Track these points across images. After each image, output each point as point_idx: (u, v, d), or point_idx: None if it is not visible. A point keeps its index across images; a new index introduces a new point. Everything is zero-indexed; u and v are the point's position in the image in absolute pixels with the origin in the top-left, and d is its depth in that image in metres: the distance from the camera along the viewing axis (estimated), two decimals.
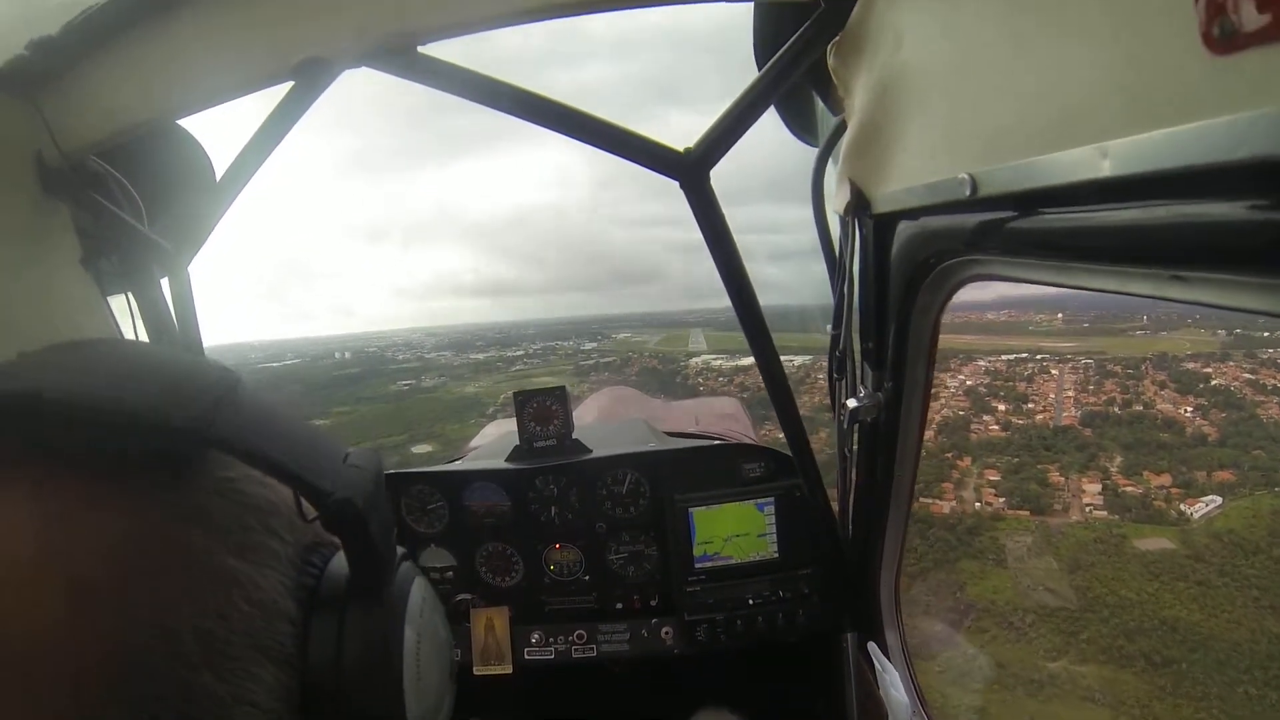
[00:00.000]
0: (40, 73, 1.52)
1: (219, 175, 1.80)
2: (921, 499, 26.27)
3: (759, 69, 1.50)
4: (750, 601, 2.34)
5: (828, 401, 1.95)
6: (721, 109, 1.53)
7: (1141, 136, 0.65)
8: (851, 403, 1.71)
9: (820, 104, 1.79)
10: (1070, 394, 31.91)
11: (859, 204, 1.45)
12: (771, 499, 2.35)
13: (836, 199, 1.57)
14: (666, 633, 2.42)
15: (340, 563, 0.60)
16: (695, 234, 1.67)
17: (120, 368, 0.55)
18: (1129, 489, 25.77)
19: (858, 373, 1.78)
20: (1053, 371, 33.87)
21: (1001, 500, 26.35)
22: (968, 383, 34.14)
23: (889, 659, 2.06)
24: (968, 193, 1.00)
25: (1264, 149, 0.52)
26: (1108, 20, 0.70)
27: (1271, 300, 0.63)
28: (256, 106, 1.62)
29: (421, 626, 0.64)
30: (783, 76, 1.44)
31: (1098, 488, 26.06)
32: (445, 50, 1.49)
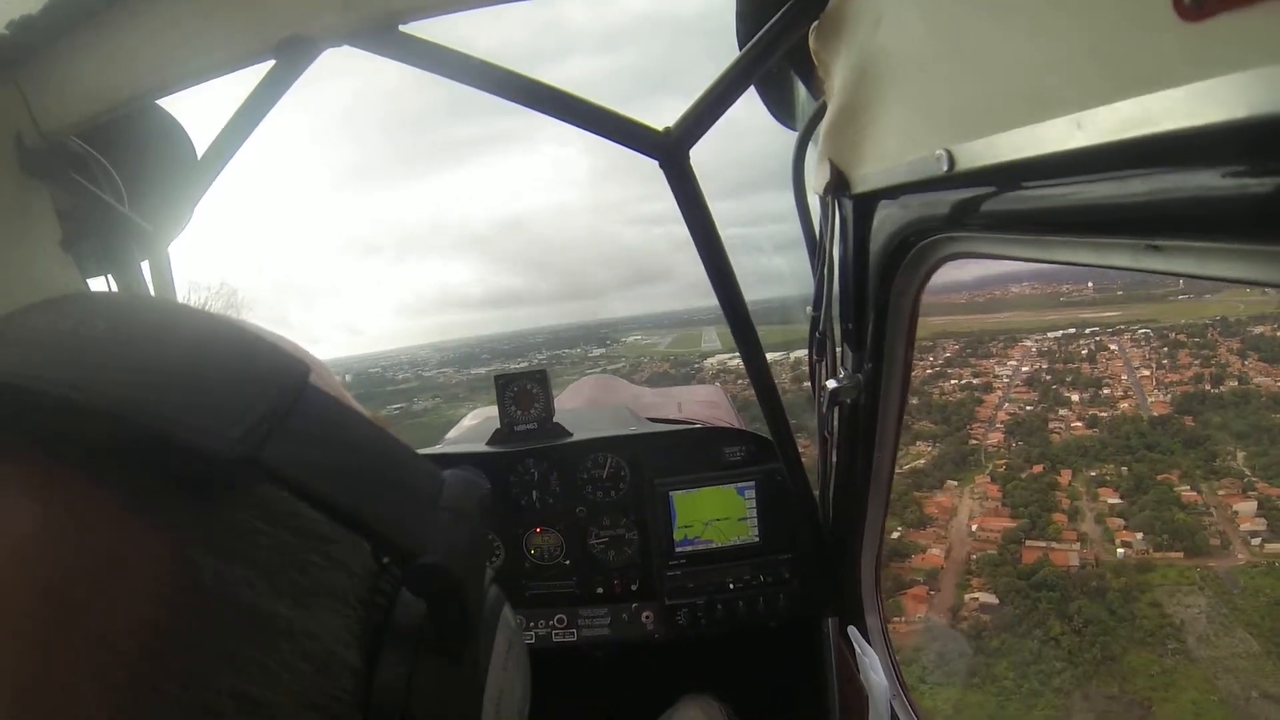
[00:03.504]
0: (20, 52, 1.51)
1: (200, 156, 1.80)
2: (1028, 541, 21.94)
3: (740, 48, 1.51)
4: (731, 586, 2.35)
5: None
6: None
7: (1115, 106, 0.66)
8: (831, 384, 1.72)
9: (801, 88, 1.81)
10: (1145, 373, 28.62)
11: (838, 184, 1.46)
12: (752, 483, 2.36)
13: (816, 180, 1.58)
14: (647, 617, 2.43)
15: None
16: None
17: (149, 349, 0.43)
18: None
19: (838, 354, 1.80)
20: (1111, 346, 30.93)
21: (1140, 537, 21.39)
22: (1023, 369, 30.68)
23: (869, 643, 2.08)
24: (945, 168, 1.01)
25: (1236, 114, 0.52)
26: None
27: (1247, 268, 0.64)
28: (239, 87, 1.61)
29: (504, 681, 0.54)
30: (764, 55, 1.45)
31: (1251, 506, 21.04)
32: (427, 37, 1.49)
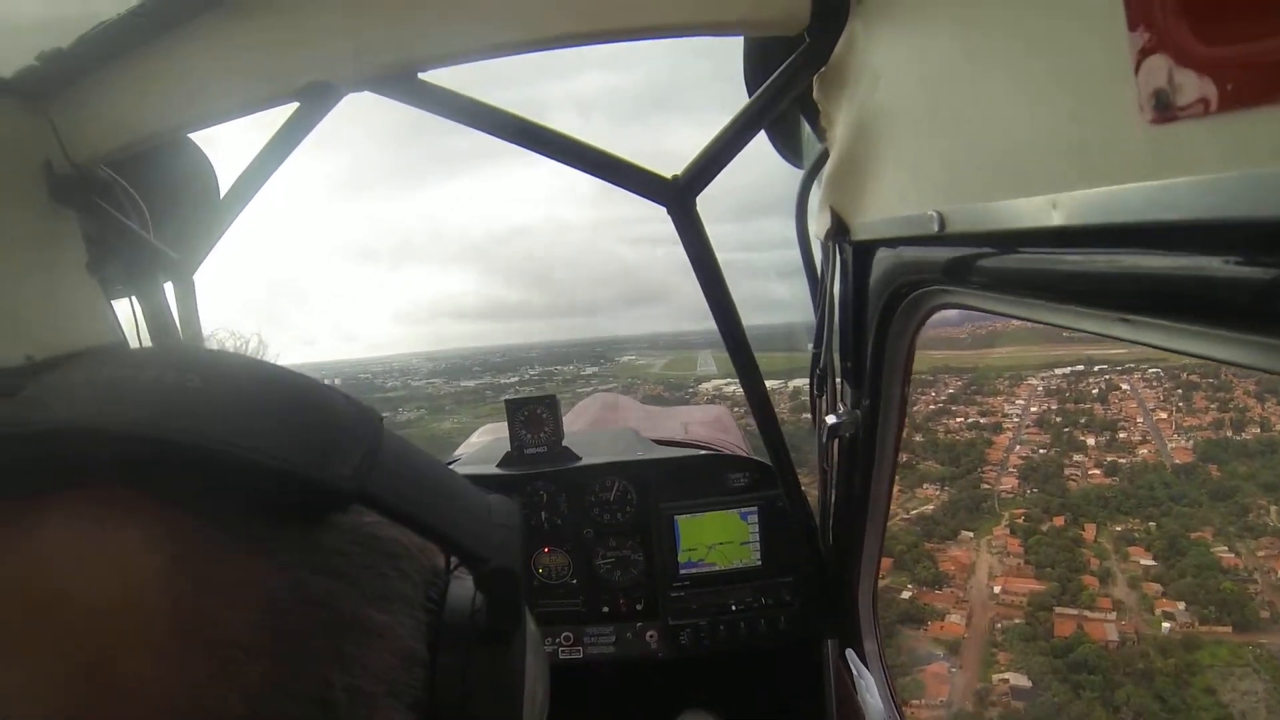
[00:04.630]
0: (51, 84, 1.57)
1: (223, 189, 1.85)
2: (1058, 608, 19.51)
3: (749, 96, 1.55)
4: (733, 608, 2.39)
5: None
6: (720, 119, 1.56)
7: (1086, 192, 0.71)
8: (831, 419, 1.76)
9: (807, 128, 1.84)
10: (1162, 415, 27.02)
11: (839, 230, 1.50)
12: (755, 508, 2.40)
13: (818, 224, 1.62)
14: (651, 636, 2.47)
15: (455, 594, 0.55)
16: None
17: (250, 401, 0.49)
18: None
19: (837, 390, 1.84)
20: (1122, 385, 29.46)
21: (1183, 607, 18.88)
22: (1032, 409, 29.15)
23: (866, 666, 2.12)
24: (936, 228, 1.06)
25: (1196, 213, 0.57)
26: (1059, 84, 0.76)
27: (1209, 346, 0.68)
28: (261, 122, 1.76)
29: (536, 672, 0.61)
30: (770, 105, 1.48)
31: None
32: (443, 69, 1.54)
